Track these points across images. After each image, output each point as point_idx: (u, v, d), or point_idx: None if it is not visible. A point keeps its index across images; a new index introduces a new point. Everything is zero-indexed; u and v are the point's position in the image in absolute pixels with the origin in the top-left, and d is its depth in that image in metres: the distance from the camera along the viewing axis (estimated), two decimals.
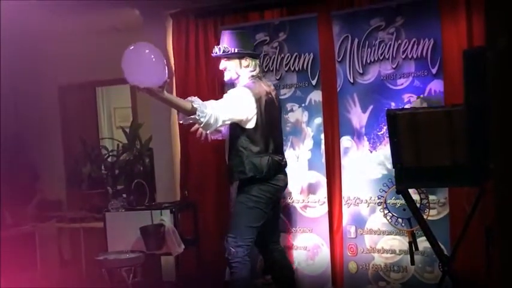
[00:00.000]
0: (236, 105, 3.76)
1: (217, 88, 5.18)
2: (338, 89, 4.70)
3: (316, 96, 4.75)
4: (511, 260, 1.58)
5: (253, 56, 3.96)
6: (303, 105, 4.77)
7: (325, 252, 4.71)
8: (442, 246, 3.79)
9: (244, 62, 3.91)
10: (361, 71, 4.59)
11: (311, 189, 4.74)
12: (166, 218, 4.81)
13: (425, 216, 4.00)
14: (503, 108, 1.65)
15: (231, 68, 3.93)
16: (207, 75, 5.32)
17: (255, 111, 3.80)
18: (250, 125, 3.81)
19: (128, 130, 6.56)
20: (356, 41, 4.59)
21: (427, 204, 4.27)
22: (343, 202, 4.67)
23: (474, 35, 4.43)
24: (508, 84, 1.64)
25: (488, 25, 1.71)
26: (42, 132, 6.61)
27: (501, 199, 1.62)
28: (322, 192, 4.72)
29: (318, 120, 4.75)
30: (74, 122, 6.91)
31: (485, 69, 1.82)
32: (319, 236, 4.73)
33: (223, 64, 3.96)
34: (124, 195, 5.34)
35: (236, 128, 3.83)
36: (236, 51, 3.89)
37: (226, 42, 3.91)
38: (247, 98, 3.78)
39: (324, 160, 4.74)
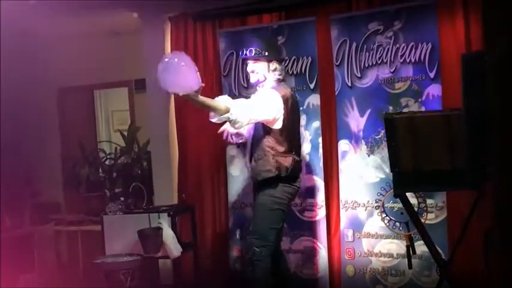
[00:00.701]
0: (265, 105, 3.89)
1: (215, 91, 5.17)
2: (336, 93, 4.71)
3: (314, 99, 4.76)
4: (511, 262, 1.58)
5: (279, 61, 4.10)
6: (301, 108, 4.75)
7: (322, 256, 4.72)
8: (440, 250, 3.79)
9: (272, 65, 4.03)
10: (359, 75, 4.60)
11: (309, 192, 4.75)
12: (164, 221, 4.81)
13: (423, 220, 4.00)
14: (501, 111, 1.66)
15: (259, 71, 4.04)
16: (205, 78, 5.31)
17: (282, 112, 3.92)
18: (277, 125, 3.93)
19: (125, 133, 6.54)
20: (354, 44, 4.60)
21: (425, 208, 4.27)
22: (341, 206, 4.68)
23: (472, 39, 4.44)
24: (505, 87, 1.64)
25: (486, 29, 1.72)
26: (40, 135, 6.60)
27: (500, 201, 1.63)
28: (320, 196, 4.73)
29: (316, 123, 4.75)
30: (72, 124, 6.89)
31: (483, 73, 1.83)
32: (316, 240, 4.73)
33: (251, 66, 4.06)
34: (122, 198, 5.32)
35: (262, 128, 3.95)
36: (266, 54, 4.01)
37: (256, 46, 4.03)
38: (276, 99, 3.91)
39: (321, 164, 4.74)
